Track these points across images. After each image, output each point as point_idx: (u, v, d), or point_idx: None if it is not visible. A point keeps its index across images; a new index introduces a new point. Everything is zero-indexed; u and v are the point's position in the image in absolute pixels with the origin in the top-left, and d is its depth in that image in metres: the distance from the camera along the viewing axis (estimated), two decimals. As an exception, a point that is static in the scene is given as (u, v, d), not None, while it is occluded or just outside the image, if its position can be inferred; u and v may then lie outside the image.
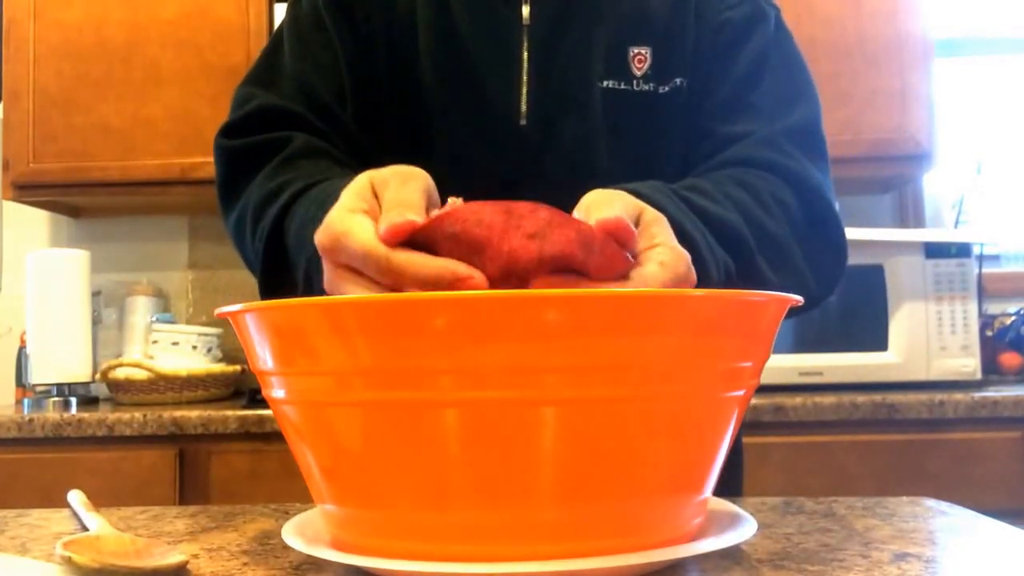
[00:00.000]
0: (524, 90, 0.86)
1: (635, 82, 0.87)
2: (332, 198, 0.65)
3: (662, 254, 0.55)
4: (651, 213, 0.58)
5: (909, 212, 2.49)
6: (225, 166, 0.87)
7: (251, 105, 0.88)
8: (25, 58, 2.24)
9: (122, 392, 2.14)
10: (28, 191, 2.26)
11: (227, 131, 0.88)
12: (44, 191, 2.26)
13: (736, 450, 0.95)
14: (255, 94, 0.89)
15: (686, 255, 0.57)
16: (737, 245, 0.72)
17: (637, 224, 0.57)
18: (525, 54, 0.87)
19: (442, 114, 0.88)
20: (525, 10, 0.87)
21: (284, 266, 0.76)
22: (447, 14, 0.88)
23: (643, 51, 0.87)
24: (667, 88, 0.87)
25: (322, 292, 0.67)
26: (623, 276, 0.54)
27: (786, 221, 0.78)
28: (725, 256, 0.70)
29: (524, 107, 0.86)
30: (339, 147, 0.87)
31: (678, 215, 0.66)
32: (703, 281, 0.62)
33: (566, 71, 0.87)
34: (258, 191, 0.81)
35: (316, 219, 0.68)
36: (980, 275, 2.18)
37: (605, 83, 0.87)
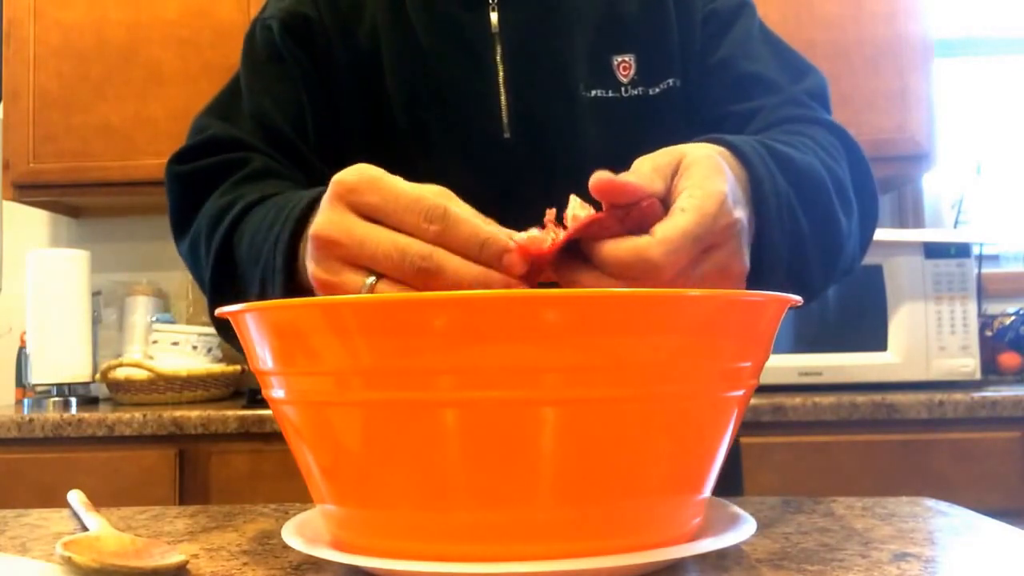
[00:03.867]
0: (503, 101, 0.85)
1: (623, 88, 0.86)
2: (296, 203, 0.63)
3: (684, 200, 0.53)
4: (689, 158, 0.56)
5: (909, 212, 2.49)
6: (178, 192, 0.84)
7: (207, 133, 0.85)
8: (25, 58, 2.24)
9: (122, 392, 2.14)
10: (28, 191, 2.26)
11: (180, 157, 0.84)
12: (44, 191, 2.26)
13: (734, 450, 0.95)
14: (212, 124, 0.86)
15: (718, 193, 0.54)
16: (820, 188, 0.69)
17: (678, 168, 0.55)
18: (499, 63, 0.85)
19: (419, 136, 0.86)
20: (493, 17, 0.85)
21: (235, 284, 0.72)
22: (410, 31, 0.86)
23: (627, 59, 0.86)
24: (658, 90, 0.86)
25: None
26: (639, 228, 0.52)
27: (845, 167, 0.77)
28: (790, 196, 0.65)
29: (505, 119, 0.85)
30: (301, 179, 0.83)
31: (752, 158, 0.63)
32: (762, 219, 0.61)
33: (546, 80, 0.86)
34: (211, 208, 0.77)
35: (275, 224, 0.66)
36: (979, 275, 2.18)
37: (593, 92, 0.85)
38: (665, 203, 0.55)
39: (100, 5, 2.24)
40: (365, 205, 0.52)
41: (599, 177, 0.51)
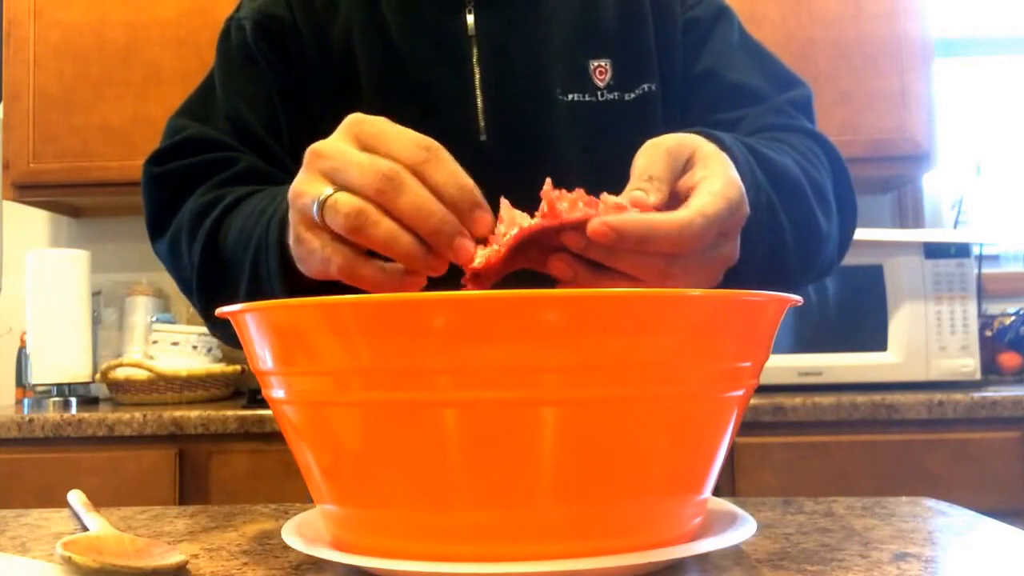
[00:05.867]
0: (479, 103, 0.85)
1: (599, 92, 0.86)
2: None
3: (712, 184, 0.55)
4: (706, 149, 0.58)
5: (908, 212, 2.49)
6: (156, 193, 0.83)
7: (184, 134, 0.84)
8: (25, 58, 2.24)
9: (122, 392, 2.14)
10: (28, 191, 2.26)
11: (157, 159, 0.84)
12: (44, 191, 2.26)
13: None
14: (188, 125, 0.85)
15: (738, 182, 0.57)
16: (797, 188, 0.72)
17: (689, 161, 0.58)
18: (475, 66, 0.85)
19: None
20: (470, 19, 0.85)
21: (221, 276, 0.72)
22: (386, 33, 0.86)
23: (603, 63, 0.86)
24: (634, 95, 0.87)
25: (271, 286, 0.65)
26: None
27: (824, 171, 0.79)
28: (769, 192, 0.68)
29: (482, 122, 0.85)
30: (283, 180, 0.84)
31: (736, 152, 0.65)
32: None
33: (522, 83, 0.86)
34: (194, 205, 0.77)
35: (268, 208, 0.66)
36: (979, 275, 2.18)
37: (569, 96, 0.86)
38: (675, 194, 0.57)
39: (100, 5, 2.24)
40: (367, 134, 0.54)
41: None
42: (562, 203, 0.54)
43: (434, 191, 0.52)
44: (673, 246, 0.53)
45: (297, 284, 0.62)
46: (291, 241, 0.58)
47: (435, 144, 0.53)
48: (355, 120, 0.55)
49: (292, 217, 0.57)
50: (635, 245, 0.52)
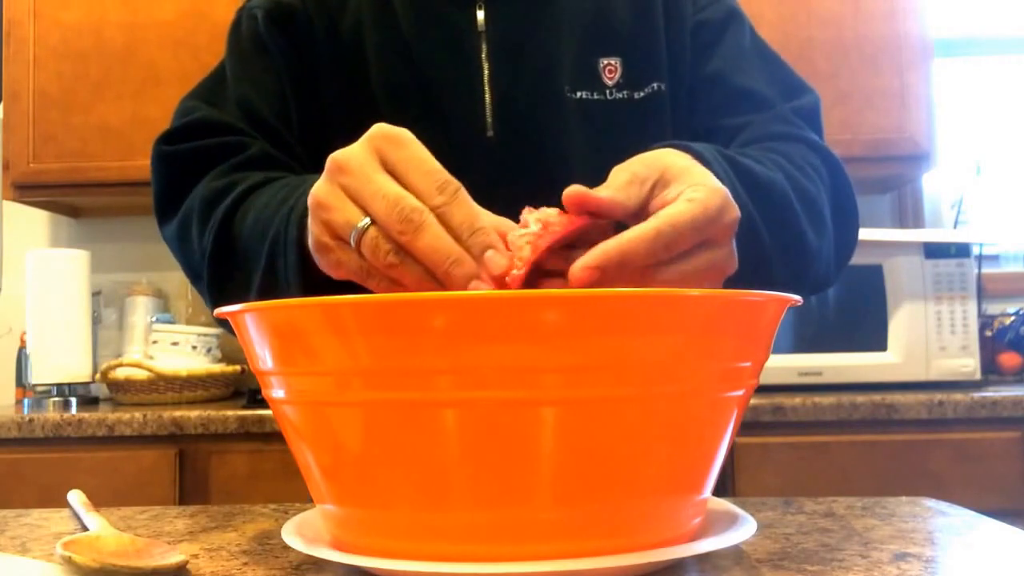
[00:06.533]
0: (487, 99, 0.85)
1: (608, 91, 0.86)
2: (312, 180, 0.61)
3: (692, 192, 0.55)
4: (679, 164, 0.58)
5: (908, 212, 2.49)
6: (166, 172, 0.82)
7: (195, 115, 0.84)
8: (25, 58, 2.24)
9: (122, 392, 2.14)
10: (28, 191, 2.26)
11: (168, 138, 0.83)
12: (44, 191, 2.27)
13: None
14: (200, 107, 0.85)
15: (723, 190, 0.56)
16: (783, 203, 0.71)
17: (660, 180, 0.57)
18: (484, 61, 0.85)
19: None
20: (480, 14, 0.85)
21: (234, 265, 0.72)
22: (395, 25, 0.86)
23: (613, 62, 0.86)
24: (643, 94, 0.87)
25: (287, 280, 0.65)
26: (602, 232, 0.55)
27: (820, 185, 0.78)
28: (751, 208, 0.68)
29: (489, 118, 0.85)
30: (296, 168, 0.83)
31: (715, 167, 0.65)
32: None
33: (531, 80, 0.85)
34: (206, 189, 0.76)
35: (288, 199, 0.65)
36: (979, 275, 2.18)
37: (578, 94, 0.85)
38: (641, 216, 0.56)
39: (99, 6, 2.24)
40: (392, 157, 0.54)
41: (572, 190, 0.54)
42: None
43: (451, 232, 0.53)
44: (647, 258, 0.53)
45: (313, 278, 0.62)
46: (312, 243, 0.58)
47: (454, 184, 0.54)
48: (380, 135, 0.55)
49: (314, 227, 0.57)
50: (617, 270, 0.53)
